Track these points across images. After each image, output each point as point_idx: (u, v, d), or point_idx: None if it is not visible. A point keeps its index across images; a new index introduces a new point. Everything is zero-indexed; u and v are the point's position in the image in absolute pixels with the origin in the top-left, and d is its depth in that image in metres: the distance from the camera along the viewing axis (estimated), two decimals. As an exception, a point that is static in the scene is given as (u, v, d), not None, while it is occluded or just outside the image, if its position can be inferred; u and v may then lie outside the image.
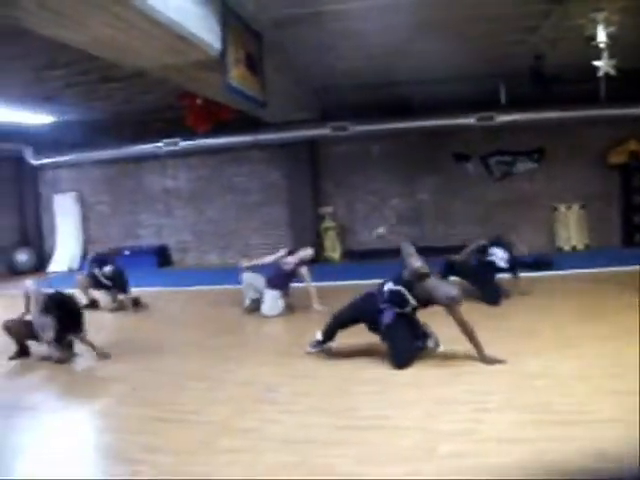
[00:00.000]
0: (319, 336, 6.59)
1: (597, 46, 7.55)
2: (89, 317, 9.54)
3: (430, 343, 6.28)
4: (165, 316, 9.73)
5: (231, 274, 10.52)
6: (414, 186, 14.54)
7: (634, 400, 4.37)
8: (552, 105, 12.49)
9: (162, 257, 15.83)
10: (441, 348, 6.26)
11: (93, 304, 10.20)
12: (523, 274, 9.11)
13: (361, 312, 6.40)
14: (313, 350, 6.62)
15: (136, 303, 10.21)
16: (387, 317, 6.11)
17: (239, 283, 9.51)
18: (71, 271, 14.76)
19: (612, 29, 7.46)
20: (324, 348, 6.58)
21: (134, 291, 10.40)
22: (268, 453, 4.20)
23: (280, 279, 9.12)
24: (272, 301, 9.00)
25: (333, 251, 14.64)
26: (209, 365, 6.59)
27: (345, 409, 4.96)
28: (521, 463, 3.67)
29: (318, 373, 6.02)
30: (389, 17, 8.07)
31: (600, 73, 7.85)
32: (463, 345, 6.02)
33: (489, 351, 5.90)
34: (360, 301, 6.48)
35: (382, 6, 7.68)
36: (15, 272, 15.90)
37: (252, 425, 4.72)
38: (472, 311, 8.02)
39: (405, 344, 6.05)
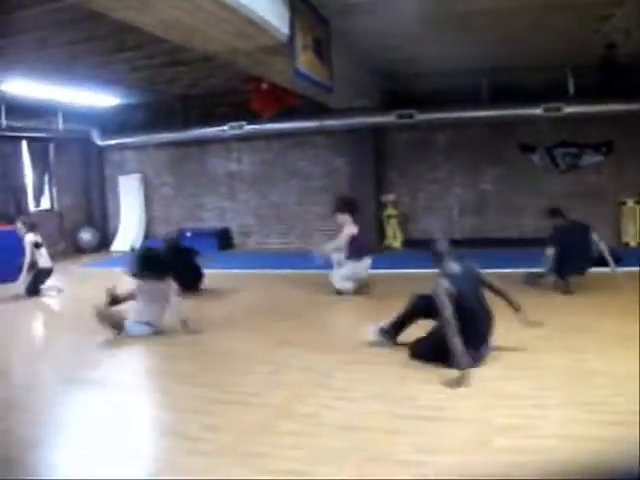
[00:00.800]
0: (384, 324, 6.37)
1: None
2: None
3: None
4: (229, 299, 9.73)
5: (292, 258, 10.55)
6: (478, 176, 14.32)
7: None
8: (621, 96, 12.14)
9: (224, 240, 15.94)
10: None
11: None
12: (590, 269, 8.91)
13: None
14: (374, 339, 6.38)
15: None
16: None
17: (299, 268, 9.56)
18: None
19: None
20: (388, 338, 6.36)
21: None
22: (326, 438, 4.23)
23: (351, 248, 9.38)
24: (344, 273, 9.27)
25: (394, 239, 14.56)
26: (273, 349, 6.63)
27: (403, 398, 4.96)
28: (576, 462, 3.59)
29: (377, 360, 6.01)
30: (456, 4, 8.00)
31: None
32: (524, 342, 5.97)
33: (549, 346, 5.82)
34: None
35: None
36: (79, 250, 16.32)
37: (312, 410, 4.76)
38: (537, 305, 7.87)
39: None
